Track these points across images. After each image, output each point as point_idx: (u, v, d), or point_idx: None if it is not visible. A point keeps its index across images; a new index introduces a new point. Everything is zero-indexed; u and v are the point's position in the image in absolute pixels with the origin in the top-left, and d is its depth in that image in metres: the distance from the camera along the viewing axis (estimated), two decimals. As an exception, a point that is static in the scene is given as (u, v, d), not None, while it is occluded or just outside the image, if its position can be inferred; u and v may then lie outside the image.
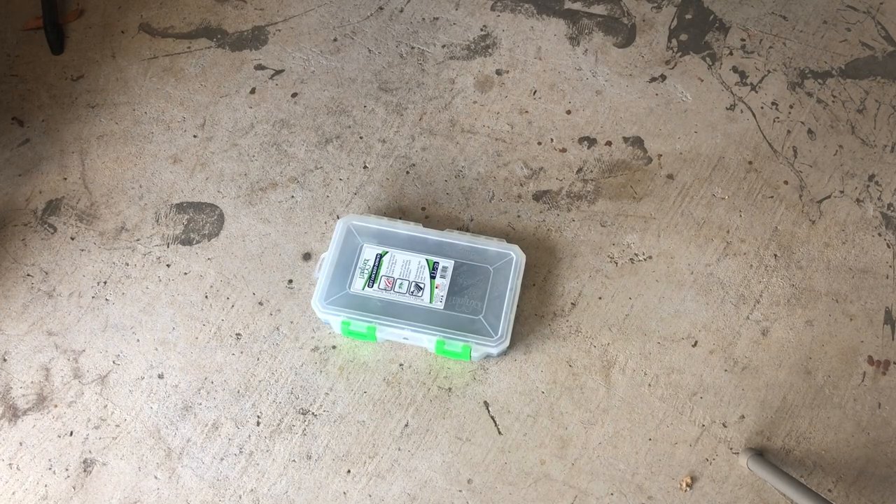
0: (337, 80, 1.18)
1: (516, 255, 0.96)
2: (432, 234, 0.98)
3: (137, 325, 0.98)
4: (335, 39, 1.22)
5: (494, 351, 0.91)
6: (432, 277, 0.94)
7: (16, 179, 1.09)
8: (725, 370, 0.95)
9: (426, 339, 0.92)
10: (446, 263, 0.96)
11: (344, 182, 1.09)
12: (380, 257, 0.96)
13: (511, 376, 0.95)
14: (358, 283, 0.94)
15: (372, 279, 0.94)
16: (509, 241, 1.01)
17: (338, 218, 1.05)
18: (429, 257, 0.96)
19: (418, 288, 0.94)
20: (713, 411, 0.93)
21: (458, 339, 0.90)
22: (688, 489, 0.89)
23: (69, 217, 1.06)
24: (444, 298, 0.93)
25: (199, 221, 1.06)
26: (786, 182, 1.09)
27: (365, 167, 1.10)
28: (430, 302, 0.93)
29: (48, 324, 0.99)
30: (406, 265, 0.95)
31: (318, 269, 0.95)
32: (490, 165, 1.10)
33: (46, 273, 1.02)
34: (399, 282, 0.94)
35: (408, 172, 1.10)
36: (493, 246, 0.97)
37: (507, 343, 0.91)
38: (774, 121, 1.14)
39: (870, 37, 1.22)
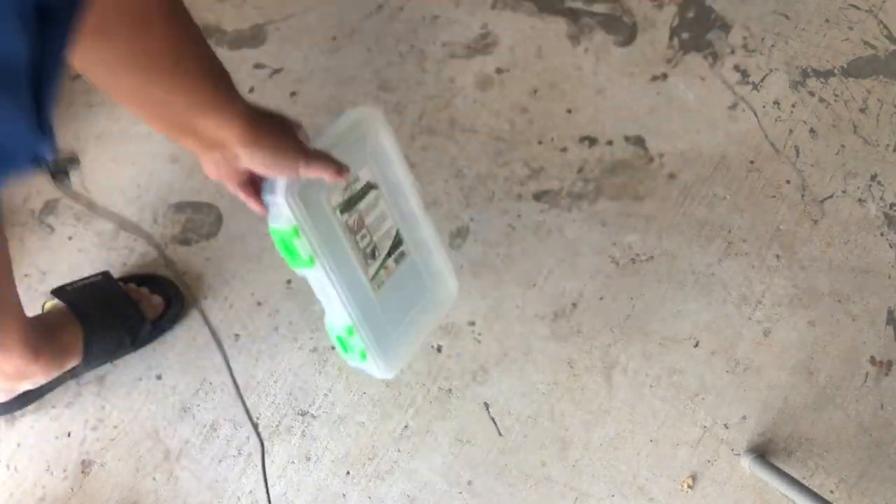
0: (336, 79, 1.17)
1: (449, 296, 0.80)
2: (418, 207, 0.77)
3: (135, 326, 0.98)
4: (334, 38, 1.22)
5: (377, 374, 0.72)
6: (389, 255, 0.73)
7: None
8: (727, 371, 0.95)
9: (342, 314, 0.67)
10: (410, 250, 0.76)
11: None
12: (369, 188, 0.71)
13: (511, 377, 0.94)
14: (336, 198, 0.67)
15: (348, 206, 0.69)
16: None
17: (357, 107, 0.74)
18: (402, 228, 0.75)
19: (373, 253, 0.71)
20: (715, 412, 0.92)
21: (364, 341, 0.69)
22: (689, 490, 0.89)
23: (67, 217, 1.05)
24: (383, 286, 0.72)
25: (197, 221, 1.05)
26: (788, 181, 1.08)
27: (364, 167, 1.09)
28: (371, 280, 0.71)
29: (46, 324, 0.98)
30: (380, 218, 0.72)
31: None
32: (490, 165, 1.10)
33: (44, 273, 1.01)
34: (364, 231, 0.70)
35: (407, 172, 1.09)
36: (443, 270, 0.79)
37: (391, 376, 0.72)
38: (776, 120, 1.14)
39: (872, 36, 1.21)
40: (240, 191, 0.61)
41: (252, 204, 0.62)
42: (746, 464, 0.89)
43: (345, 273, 0.66)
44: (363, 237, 0.70)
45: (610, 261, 1.02)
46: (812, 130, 1.13)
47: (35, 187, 1.08)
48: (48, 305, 0.92)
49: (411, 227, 0.76)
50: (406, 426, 0.92)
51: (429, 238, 0.77)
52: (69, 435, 0.91)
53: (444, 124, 1.13)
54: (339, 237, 0.67)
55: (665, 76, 1.18)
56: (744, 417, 0.92)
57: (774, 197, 1.07)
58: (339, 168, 0.60)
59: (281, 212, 0.61)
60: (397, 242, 0.74)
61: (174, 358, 0.96)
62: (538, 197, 1.07)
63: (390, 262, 0.73)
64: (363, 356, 0.69)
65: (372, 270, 0.71)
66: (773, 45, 1.21)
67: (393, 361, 0.71)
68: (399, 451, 0.90)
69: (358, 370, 0.71)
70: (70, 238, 1.04)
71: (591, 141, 1.12)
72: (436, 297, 0.79)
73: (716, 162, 1.10)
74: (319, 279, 0.65)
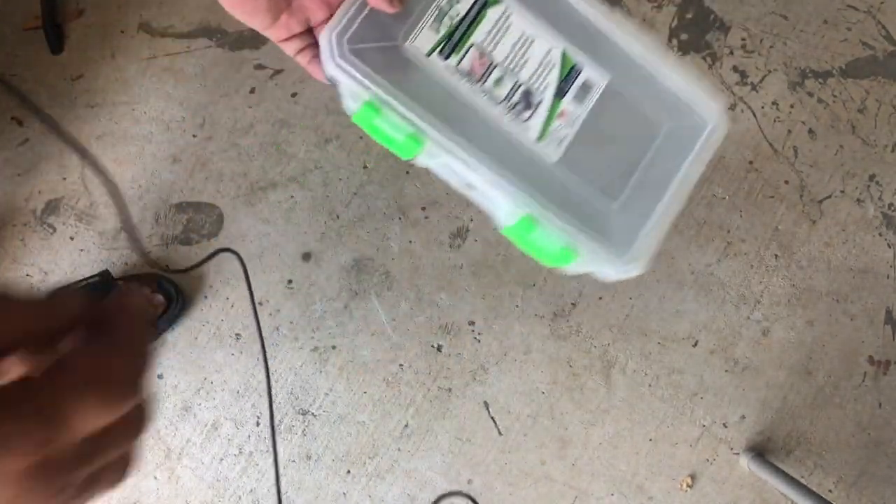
0: (337, 80, 1.18)
1: (712, 120, 0.47)
2: (592, 9, 0.45)
3: (137, 326, 0.98)
4: (335, 39, 1.22)
5: (615, 274, 0.46)
6: (560, 95, 0.46)
7: (15, 179, 1.09)
8: (726, 370, 0.95)
9: (507, 204, 0.44)
10: (596, 76, 0.46)
11: (344, 182, 1.08)
12: (484, 4, 0.45)
13: (511, 376, 0.95)
14: (426, 39, 0.44)
15: (453, 43, 0.44)
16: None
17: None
18: (569, 48, 0.46)
19: (527, 101, 0.46)
20: (714, 411, 0.93)
21: (561, 230, 0.44)
22: (688, 489, 0.89)
23: (68, 217, 1.06)
24: (567, 143, 0.46)
25: (198, 221, 1.06)
26: (786, 182, 1.09)
27: (365, 167, 1.10)
28: (539, 139, 0.46)
29: (47, 324, 0.98)
30: (524, 45, 0.45)
31: None
32: (490, 165, 1.10)
33: (46, 273, 1.02)
34: (498, 72, 0.45)
35: (408, 172, 1.09)
36: (681, 86, 0.47)
37: (640, 268, 0.46)
38: (775, 120, 1.14)
39: (870, 36, 1.22)
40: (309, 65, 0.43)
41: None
42: (745, 463, 0.89)
43: (483, 142, 0.43)
44: (498, 82, 0.45)
45: (609, 261, 1.02)
46: (811, 131, 1.13)
47: (37, 187, 1.08)
48: None
49: (594, 41, 0.46)
50: (406, 425, 0.92)
51: (637, 49, 0.46)
52: (71, 434, 0.92)
53: (444, 125, 1.14)
54: (454, 93, 0.43)
55: (664, 77, 1.18)
56: (742, 416, 0.93)
57: (773, 197, 1.07)
58: None
59: (341, 87, 0.41)
60: (570, 71, 0.46)
61: (175, 357, 0.96)
62: (538, 197, 1.07)
63: (566, 103, 0.46)
64: (567, 256, 0.43)
65: (536, 126, 0.45)
66: (771, 46, 1.21)
67: (631, 247, 0.44)
68: (399, 450, 0.91)
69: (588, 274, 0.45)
70: (72, 238, 1.04)
71: (591, 141, 1.12)
72: (682, 132, 0.48)
73: (714, 162, 1.10)
74: (443, 165, 0.43)
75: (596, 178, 0.47)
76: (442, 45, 0.44)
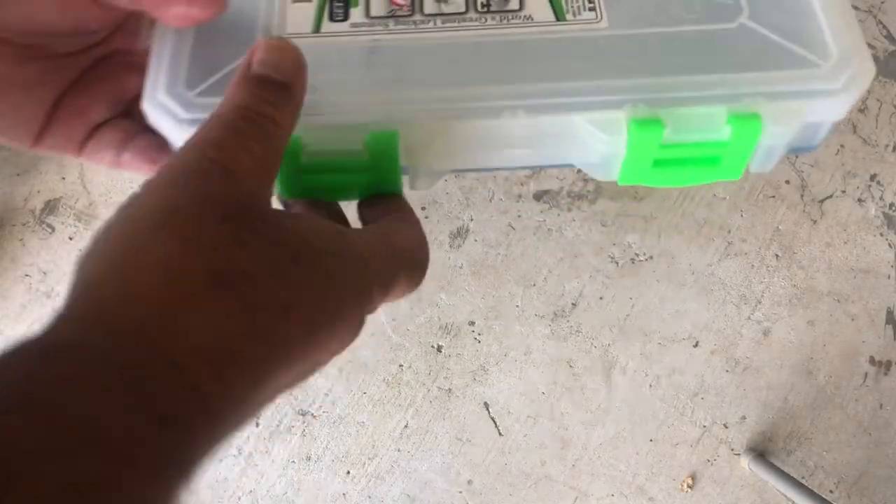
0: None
1: None
2: None
3: (136, 326, 0.98)
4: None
5: (845, 94, 0.27)
6: None
7: (14, 179, 1.09)
8: (727, 371, 0.95)
9: (592, 132, 0.25)
10: None
11: (343, 182, 1.08)
12: None
13: (511, 377, 0.94)
14: (300, 14, 0.28)
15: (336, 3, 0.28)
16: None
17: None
18: None
19: None
20: (714, 412, 0.93)
21: (703, 97, 0.25)
22: (689, 490, 0.89)
23: (67, 217, 1.06)
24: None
25: (197, 221, 1.05)
26: (787, 182, 1.08)
27: (364, 167, 1.10)
28: (559, 17, 0.27)
29: (46, 324, 0.98)
30: None
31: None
32: (490, 165, 1.10)
33: (45, 273, 1.02)
34: None
35: (407, 172, 1.09)
36: None
37: (871, 64, 0.29)
38: (775, 120, 1.14)
39: (871, 36, 1.21)
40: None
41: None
42: (746, 463, 0.89)
43: (488, 73, 0.27)
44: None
45: (609, 260, 1.02)
46: (811, 130, 1.13)
47: (36, 187, 1.08)
48: None
49: None
50: (406, 426, 0.92)
51: None
52: (70, 434, 0.92)
53: (444, 124, 1.14)
54: (397, 53, 0.27)
55: (664, 76, 1.18)
56: (743, 417, 0.92)
57: (774, 197, 1.07)
58: None
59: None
60: None
61: (174, 358, 0.96)
62: (538, 197, 1.07)
63: None
64: (749, 127, 0.25)
65: (539, 3, 0.28)
66: (772, 46, 1.21)
67: (826, 48, 0.28)
68: (399, 450, 0.91)
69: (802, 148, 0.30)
70: (70, 238, 1.04)
71: (591, 141, 1.12)
72: None
73: (715, 162, 1.10)
74: (453, 146, 0.28)
75: (684, 7, 0.28)
76: (325, 6, 0.28)
